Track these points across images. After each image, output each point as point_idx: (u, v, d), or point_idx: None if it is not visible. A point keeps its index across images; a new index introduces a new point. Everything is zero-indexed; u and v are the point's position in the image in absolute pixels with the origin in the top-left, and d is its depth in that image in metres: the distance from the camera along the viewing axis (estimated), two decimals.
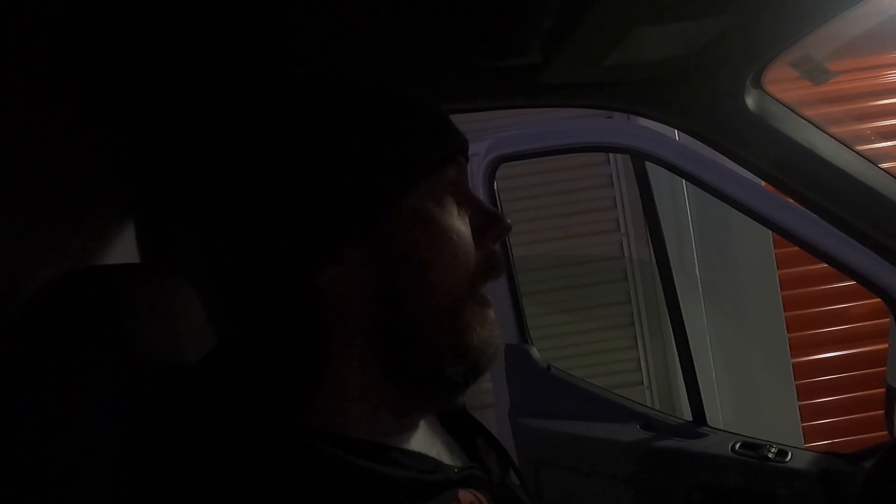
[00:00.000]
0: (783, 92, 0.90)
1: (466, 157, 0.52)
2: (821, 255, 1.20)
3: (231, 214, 0.45)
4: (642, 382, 2.42)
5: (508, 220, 0.51)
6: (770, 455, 1.23)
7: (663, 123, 0.99)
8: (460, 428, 0.59)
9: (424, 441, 0.51)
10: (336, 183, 0.44)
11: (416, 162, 0.46)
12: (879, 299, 1.17)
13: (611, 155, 2.42)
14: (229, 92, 0.50)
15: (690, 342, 1.45)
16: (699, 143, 0.98)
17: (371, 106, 0.47)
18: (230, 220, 0.45)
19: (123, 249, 0.67)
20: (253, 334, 0.48)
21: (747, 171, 1.01)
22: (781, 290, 2.42)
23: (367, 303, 0.45)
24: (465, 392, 0.51)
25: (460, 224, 0.49)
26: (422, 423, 0.52)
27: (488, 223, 0.50)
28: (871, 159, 0.94)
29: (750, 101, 0.89)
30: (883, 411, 1.80)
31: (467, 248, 0.48)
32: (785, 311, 2.43)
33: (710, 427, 1.39)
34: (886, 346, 1.67)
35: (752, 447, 1.27)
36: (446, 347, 0.47)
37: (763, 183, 1.16)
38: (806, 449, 1.28)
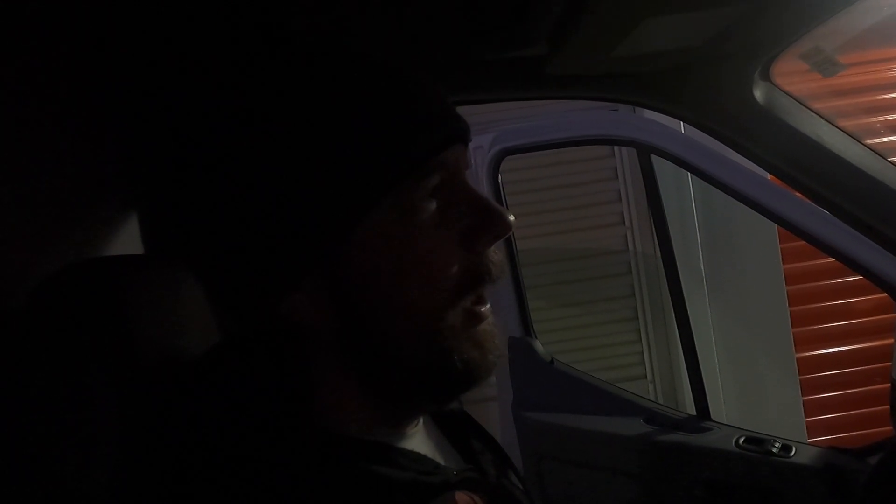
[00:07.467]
0: (792, 84, 0.90)
1: (465, 142, 0.47)
2: (827, 250, 1.20)
3: (196, 240, 0.45)
4: (646, 377, 2.42)
5: (510, 219, 0.46)
6: (774, 450, 1.23)
7: (669, 116, 0.98)
8: (455, 428, 0.58)
9: (423, 442, 0.51)
10: (283, 211, 0.41)
11: (370, 181, 0.42)
12: (884, 294, 1.17)
13: (616, 148, 2.41)
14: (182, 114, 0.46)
15: (694, 336, 1.45)
16: (705, 135, 0.98)
17: (318, 117, 0.42)
18: (197, 245, 0.45)
19: (127, 242, 0.67)
20: (242, 343, 0.48)
21: (754, 165, 1.00)
22: (786, 284, 2.41)
23: (337, 329, 0.44)
24: (457, 400, 0.50)
25: (437, 236, 0.44)
26: (420, 423, 0.52)
27: (484, 224, 0.45)
28: (881, 153, 0.93)
29: (758, 93, 0.88)
30: (888, 407, 1.80)
31: (444, 264, 0.44)
32: (789, 305, 2.42)
33: (713, 421, 1.39)
34: (892, 341, 1.66)
35: (756, 442, 1.27)
36: (426, 367, 0.45)
37: (769, 176, 1.15)
38: (810, 444, 1.28)
